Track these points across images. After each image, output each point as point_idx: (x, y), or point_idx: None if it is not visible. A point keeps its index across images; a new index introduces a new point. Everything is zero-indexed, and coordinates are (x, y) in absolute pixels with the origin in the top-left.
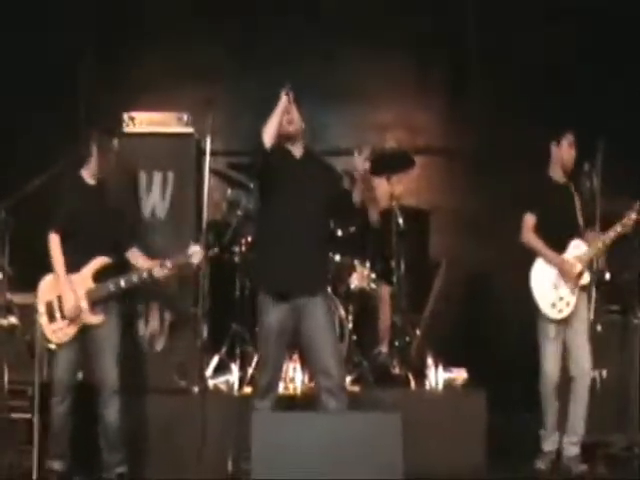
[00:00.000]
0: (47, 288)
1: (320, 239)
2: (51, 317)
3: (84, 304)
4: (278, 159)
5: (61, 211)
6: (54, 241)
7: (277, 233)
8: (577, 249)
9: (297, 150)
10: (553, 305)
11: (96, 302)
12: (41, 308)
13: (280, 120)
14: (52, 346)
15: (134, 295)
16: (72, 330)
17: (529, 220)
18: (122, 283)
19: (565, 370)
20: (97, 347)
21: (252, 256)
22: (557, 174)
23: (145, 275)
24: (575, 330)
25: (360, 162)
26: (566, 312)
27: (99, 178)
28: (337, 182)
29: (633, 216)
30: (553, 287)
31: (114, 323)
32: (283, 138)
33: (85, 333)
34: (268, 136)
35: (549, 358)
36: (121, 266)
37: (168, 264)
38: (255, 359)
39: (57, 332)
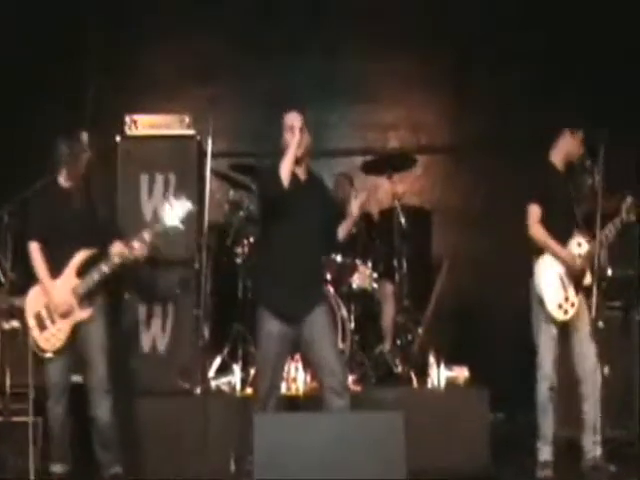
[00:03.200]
0: (33, 300)
1: (320, 258)
2: (42, 327)
3: (72, 301)
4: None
5: (36, 219)
6: (34, 249)
7: (280, 254)
8: (580, 248)
9: (302, 172)
10: (560, 306)
11: (83, 298)
12: (31, 322)
13: (295, 157)
14: (48, 355)
15: (136, 297)
16: (64, 334)
17: (535, 211)
18: (105, 268)
19: (571, 372)
20: (86, 345)
21: (253, 272)
22: (558, 162)
23: (127, 254)
24: (579, 331)
25: (355, 206)
26: (570, 313)
27: (74, 181)
28: (333, 210)
29: (629, 201)
30: (561, 287)
31: (101, 319)
32: None
33: (75, 333)
34: (285, 176)
35: (548, 361)
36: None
37: (135, 244)
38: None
39: (50, 339)
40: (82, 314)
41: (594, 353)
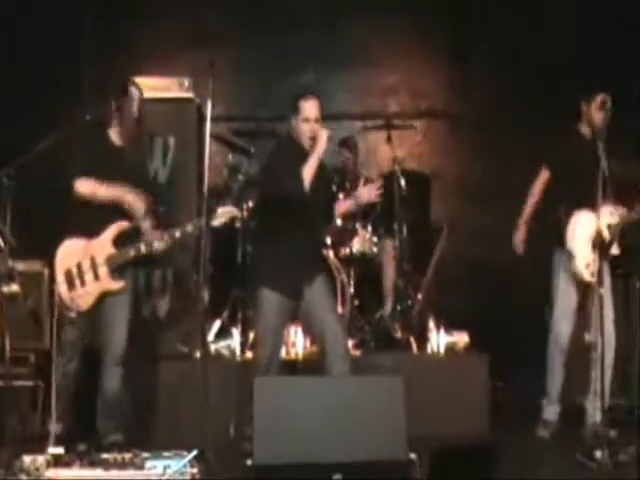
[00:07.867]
0: (66, 255)
1: (322, 233)
2: (71, 285)
3: (104, 270)
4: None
5: (79, 170)
6: (82, 183)
7: (282, 235)
8: (612, 217)
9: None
10: (587, 265)
11: (116, 269)
12: (60, 277)
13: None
14: (72, 314)
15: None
16: (91, 298)
17: (543, 175)
18: (142, 248)
19: (582, 338)
20: (109, 315)
21: (255, 252)
22: (585, 131)
23: (165, 242)
24: (600, 297)
25: (369, 193)
26: (595, 276)
27: (126, 139)
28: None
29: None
30: (592, 248)
31: (127, 294)
32: None
33: (101, 301)
34: (307, 182)
35: (563, 320)
36: (139, 231)
37: (166, 237)
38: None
39: (75, 299)
40: (113, 285)
41: (612, 320)
